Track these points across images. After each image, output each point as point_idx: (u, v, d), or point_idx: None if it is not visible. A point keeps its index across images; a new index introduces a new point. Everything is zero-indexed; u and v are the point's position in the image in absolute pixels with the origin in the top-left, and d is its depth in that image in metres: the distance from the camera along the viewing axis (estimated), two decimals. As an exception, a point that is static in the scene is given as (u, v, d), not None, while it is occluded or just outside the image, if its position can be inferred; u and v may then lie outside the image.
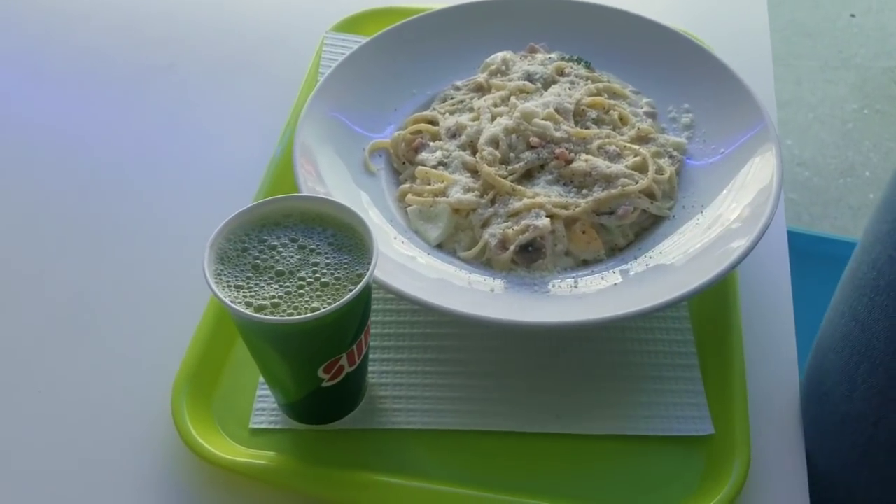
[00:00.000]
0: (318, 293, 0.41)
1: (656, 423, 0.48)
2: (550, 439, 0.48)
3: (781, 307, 0.54)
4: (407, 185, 0.58)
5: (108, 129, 0.70)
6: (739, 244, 0.48)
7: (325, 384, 0.44)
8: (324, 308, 0.40)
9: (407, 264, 0.52)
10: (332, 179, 0.56)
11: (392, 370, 0.52)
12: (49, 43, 0.78)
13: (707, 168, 0.57)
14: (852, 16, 1.85)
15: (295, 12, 0.81)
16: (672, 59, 0.63)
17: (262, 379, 0.50)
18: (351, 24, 0.75)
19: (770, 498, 0.45)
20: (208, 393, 0.50)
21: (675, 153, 0.58)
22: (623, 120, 0.59)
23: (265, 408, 0.50)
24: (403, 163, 0.60)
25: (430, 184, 0.57)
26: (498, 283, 0.51)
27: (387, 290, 0.48)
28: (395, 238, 0.55)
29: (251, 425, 0.49)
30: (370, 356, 0.51)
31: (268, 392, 0.50)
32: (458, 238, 0.55)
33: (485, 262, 0.53)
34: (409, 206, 0.56)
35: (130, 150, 0.68)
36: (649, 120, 0.60)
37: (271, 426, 0.49)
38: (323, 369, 0.43)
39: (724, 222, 0.51)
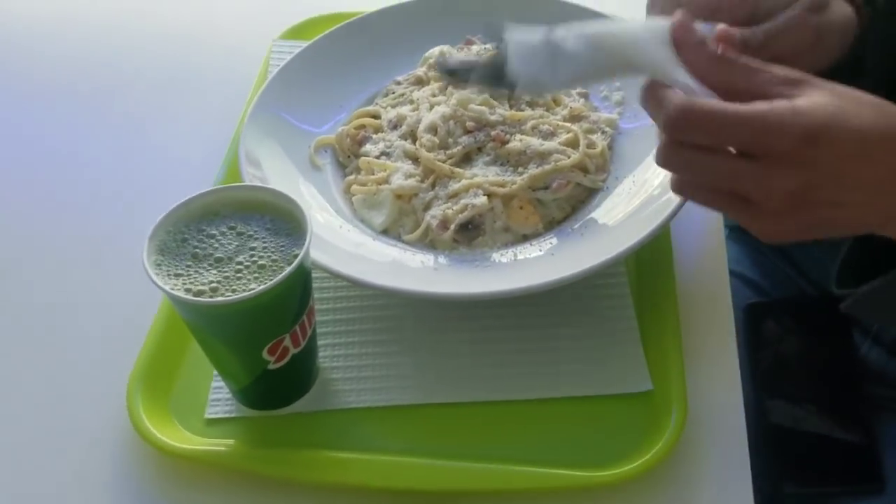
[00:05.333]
0: (256, 275, 0.43)
1: (599, 383, 0.49)
2: (496, 407, 0.49)
3: (716, 258, 0.56)
4: (352, 177, 0.60)
5: (61, 146, 0.72)
6: (671, 200, 0.50)
7: (271, 366, 0.46)
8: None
9: (354, 251, 0.54)
10: (277, 176, 0.57)
11: (343, 353, 0.53)
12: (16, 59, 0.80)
13: (636, 137, 0.59)
14: None
15: (243, 22, 0.83)
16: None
17: (216, 372, 0.51)
18: (297, 32, 0.77)
19: (708, 444, 0.46)
20: (164, 388, 0.52)
21: (607, 129, 0.60)
22: (556, 101, 0.61)
23: (220, 398, 0.51)
24: (349, 156, 0.62)
25: (373, 174, 0.59)
26: (442, 262, 0.53)
27: (336, 275, 0.50)
28: (341, 227, 0.56)
29: (206, 415, 0.50)
30: (320, 342, 0.53)
31: (222, 384, 0.51)
32: (402, 223, 0.57)
33: (428, 243, 0.55)
34: (355, 195, 0.58)
35: (83, 165, 0.70)
36: (581, 100, 0.62)
37: (226, 415, 0.50)
38: (267, 350, 0.45)
39: (652, 183, 0.53)
